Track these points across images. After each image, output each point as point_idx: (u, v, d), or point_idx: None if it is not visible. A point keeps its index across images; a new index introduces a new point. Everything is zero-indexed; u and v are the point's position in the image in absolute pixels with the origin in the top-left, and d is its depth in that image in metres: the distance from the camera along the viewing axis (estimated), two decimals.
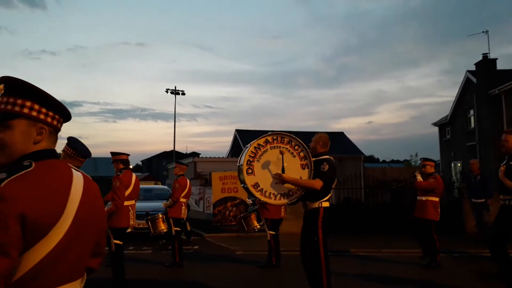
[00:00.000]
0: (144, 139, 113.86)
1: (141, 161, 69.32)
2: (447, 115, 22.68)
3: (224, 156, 28.49)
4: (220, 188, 12.18)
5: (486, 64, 17.72)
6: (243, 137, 25.45)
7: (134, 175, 5.73)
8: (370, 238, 9.78)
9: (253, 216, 6.82)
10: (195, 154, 46.01)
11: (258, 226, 6.82)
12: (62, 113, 1.37)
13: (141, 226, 9.01)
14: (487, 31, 19.07)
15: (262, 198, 4.10)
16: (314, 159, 4.18)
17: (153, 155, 64.91)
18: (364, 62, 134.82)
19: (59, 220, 1.20)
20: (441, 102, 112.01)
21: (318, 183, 3.99)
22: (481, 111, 18.09)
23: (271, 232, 6.67)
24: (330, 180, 4.12)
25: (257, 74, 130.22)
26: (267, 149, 4.12)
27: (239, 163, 4.19)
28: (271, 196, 4.08)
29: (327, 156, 4.22)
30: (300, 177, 4.09)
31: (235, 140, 27.61)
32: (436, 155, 23.85)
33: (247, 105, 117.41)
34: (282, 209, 6.66)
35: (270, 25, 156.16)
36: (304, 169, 4.12)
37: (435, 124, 25.27)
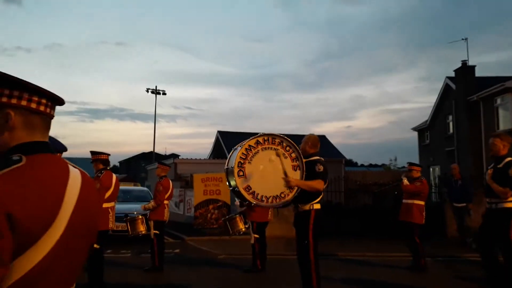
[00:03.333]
0: (122, 140, 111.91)
1: (119, 162, 68.07)
2: (427, 120, 23.05)
3: (206, 158, 28.21)
4: (202, 190, 11.94)
5: (465, 71, 18.08)
6: (225, 139, 25.20)
7: (114, 176, 5.51)
8: (352, 241, 9.75)
9: (238, 218, 6.65)
10: (174, 156, 45.46)
11: (244, 229, 6.64)
12: (39, 93, 1.13)
13: (120, 228, 8.68)
14: (466, 39, 19.50)
15: (254, 201, 3.96)
16: (305, 160, 4.07)
17: (131, 156, 63.84)
18: (344, 68, 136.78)
19: (52, 225, 1.00)
20: (418, 108, 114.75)
21: (320, 184, 3.96)
22: (459, 116, 18.44)
23: (255, 235, 6.52)
24: (324, 181, 4.05)
25: (238, 76, 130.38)
26: (258, 150, 3.98)
27: (229, 165, 4.03)
28: (263, 199, 3.95)
29: (318, 157, 4.14)
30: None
31: (217, 142, 27.33)
32: (415, 160, 24.16)
33: (227, 107, 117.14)
34: (269, 212, 6.52)
35: (252, 28, 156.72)
36: (295, 170, 4.00)
37: (414, 129, 25.65)
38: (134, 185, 19.69)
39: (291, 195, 3.99)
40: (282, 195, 3.97)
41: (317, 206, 4.06)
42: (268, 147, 4.00)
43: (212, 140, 28.67)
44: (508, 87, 15.21)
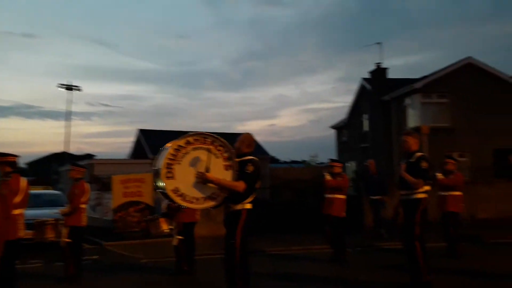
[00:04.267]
0: (30, 139, 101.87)
1: (27, 163, 62.19)
2: (344, 119, 24.46)
3: (126, 158, 26.86)
4: (122, 192, 11.27)
5: (379, 73, 19.49)
6: (147, 138, 24.23)
7: (24, 179, 4.97)
8: (279, 237, 9.90)
9: (161, 219, 6.35)
10: (90, 156, 42.73)
11: (167, 230, 6.35)
12: None
13: (29, 237, 7.81)
14: (380, 43, 21.09)
15: (184, 204, 3.76)
16: (238, 159, 3.96)
17: (40, 157, 58.72)
18: (268, 68, 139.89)
19: None
20: (336, 107, 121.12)
21: (241, 185, 3.83)
22: (373, 115, 19.82)
23: (179, 236, 6.28)
24: (254, 181, 3.97)
25: (160, 73, 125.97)
26: (188, 150, 3.77)
27: (156, 166, 3.78)
28: (193, 200, 3.76)
29: (251, 157, 4.06)
30: (225, 179, 3.84)
31: (138, 141, 26.15)
32: (333, 156, 25.51)
33: (148, 105, 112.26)
34: (197, 212, 6.32)
35: (176, 24, 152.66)
36: (227, 170, 3.86)
37: (333, 127, 27.10)
38: (45, 189, 17.99)
39: (222, 195, 3.85)
40: (214, 196, 3.82)
41: (249, 206, 3.98)
42: (199, 147, 3.82)
43: (132, 139, 27.41)
44: (416, 88, 16.69)
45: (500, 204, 10.81)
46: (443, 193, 7.29)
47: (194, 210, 6.00)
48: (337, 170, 7.23)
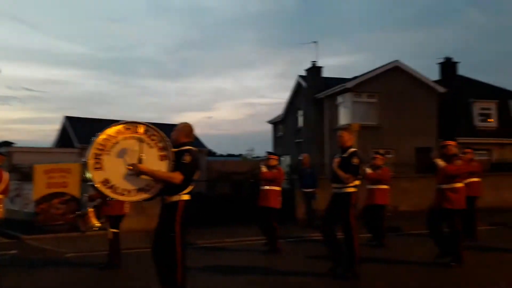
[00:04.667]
0: None
1: None
2: (281, 114, 24.96)
3: (50, 147, 25.06)
4: (45, 183, 10.45)
5: (314, 71, 20.11)
6: (74, 126, 22.76)
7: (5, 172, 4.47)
8: (213, 229, 9.85)
9: (91, 213, 5.98)
10: (7, 143, 39.24)
11: (98, 224, 6.00)
12: None
13: None
14: (316, 42, 21.75)
15: (114, 196, 3.55)
16: (175, 150, 3.80)
17: None
18: (206, 59, 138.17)
19: None
20: (273, 103, 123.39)
21: (177, 177, 3.65)
22: (308, 112, 20.45)
23: (114, 230, 5.98)
24: (192, 172, 3.82)
25: (90, 57, 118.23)
26: (119, 140, 3.56)
27: (85, 157, 3.51)
28: (124, 192, 3.56)
29: (189, 147, 3.91)
30: (160, 170, 3.66)
31: (63, 129, 24.45)
32: (269, 150, 25.94)
33: (76, 91, 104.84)
34: (126, 205, 6.04)
35: (107, 6, 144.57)
36: (163, 160, 3.70)
37: (270, 122, 27.56)
38: None
39: (156, 187, 3.66)
40: (147, 187, 3.64)
41: (186, 197, 3.83)
42: (131, 136, 3.61)
43: (57, 127, 25.57)
44: (348, 88, 17.48)
45: (420, 198, 11.71)
46: (371, 187, 7.73)
47: (122, 202, 5.73)
48: (273, 162, 7.35)
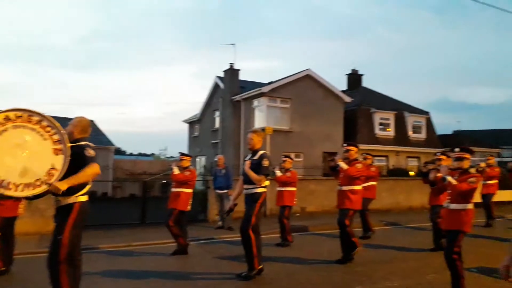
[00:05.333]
0: None
1: None
2: (197, 114, 24.69)
3: None
4: None
5: (232, 72, 20.25)
6: None
7: None
8: (120, 232, 9.35)
9: None
10: None
11: None
12: None
13: None
14: (234, 44, 21.97)
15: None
16: (71, 144, 3.49)
17: None
18: (121, 52, 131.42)
19: None
20: (190, 102, 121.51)
21: (95, 168, 3.40)
22: (224, 113, 20.52)
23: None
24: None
25: None
26: (7, 128, 3.18)
27: None
28: (11, 186, 3.18)
29: (86, 142, 3.64)
30: (54, 165, 3.33)
31: None
32: (184, 150, 25.52)
33: None
34: (20, 206, 5.44)
35: None
36: (58, 155, 3.37)
37: (186, 121, 27.09)
38: None
39: (46, 186, 3.32)
40: (37, 183, 3.29)
41: (84, 198, 3.54)
42: (22, 125, 3.25)
43: None
44: (263, 92, 17.91)
45: (327, 199, 12.44)
46: (280, 189, 8.00)
47: (16, 203, 5.18)
48: (186, 163, 7.21)
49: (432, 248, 7.36)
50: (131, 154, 52.44)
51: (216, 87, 22.34)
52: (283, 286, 5.18)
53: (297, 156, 17.89)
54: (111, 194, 18.03)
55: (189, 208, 7.13)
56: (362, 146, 19.14)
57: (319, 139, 18.73)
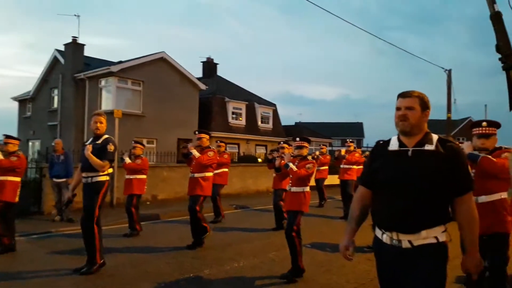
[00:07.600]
0: None
1: None
2: (30, 91, 21.45)
3: None
4: None
5: (75, 47, 18.14)
6: None
7: None
8: None
9: None
10: None
11: None
12: None
13: None
14: (78, 16, 19.59)
15: None
16: None
17: None
18: None
19: None
20: (20, 77, 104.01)
21: None
22: (65, 92, 18.29)
23: None
24: None
25: None
26: None
27: None
28: None
29: None
30: None
31: None
32: (13, 132, 21.95)
33: None
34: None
35: None
36: None
37: (15, 99, 23.32)
38: None
39: None
40: None
41: None
42: None
43: None
44: (113, 71, 16.59)
45: (180, 186, 12.27)
46: (129, 177, 7.53)
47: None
48: (13, 148, 6.17)
49: (274, 228, 8.02)
50: None
51: (55, 61, 19.71)
52: (127, 277, 4.89)
53: (150, 142, 17.23)
54: None
55: (17, 199, 6.12)
56: (216, 134, 19.70)
57: (174, 125, 18.38)
